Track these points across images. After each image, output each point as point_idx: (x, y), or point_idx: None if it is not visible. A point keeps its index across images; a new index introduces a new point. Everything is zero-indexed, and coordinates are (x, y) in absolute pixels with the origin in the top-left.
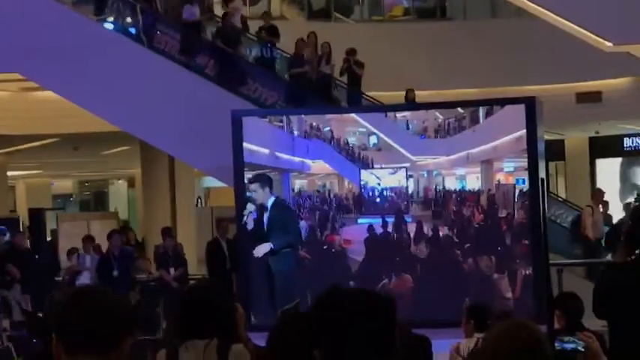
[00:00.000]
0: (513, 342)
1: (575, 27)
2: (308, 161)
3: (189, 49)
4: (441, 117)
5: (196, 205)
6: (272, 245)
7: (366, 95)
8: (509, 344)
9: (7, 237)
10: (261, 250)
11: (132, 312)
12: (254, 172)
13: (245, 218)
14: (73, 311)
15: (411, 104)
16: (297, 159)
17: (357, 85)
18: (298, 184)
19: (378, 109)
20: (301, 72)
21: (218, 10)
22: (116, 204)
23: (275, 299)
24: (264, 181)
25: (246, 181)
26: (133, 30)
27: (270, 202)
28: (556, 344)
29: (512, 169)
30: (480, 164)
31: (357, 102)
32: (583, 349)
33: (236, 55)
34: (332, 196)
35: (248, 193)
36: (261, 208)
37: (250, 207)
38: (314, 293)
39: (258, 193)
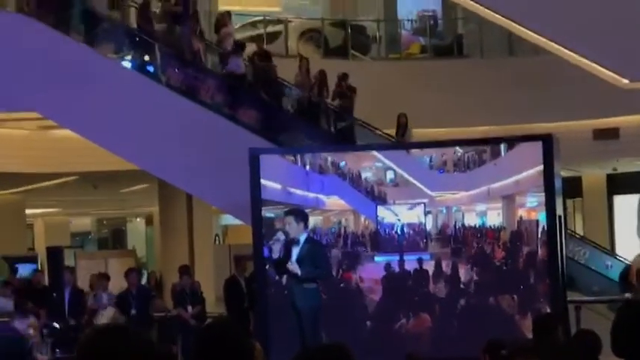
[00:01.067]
0: None
1: (592, 64)
2: (323, 197)
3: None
4: (460, 151)
5: (214, 243)
6: (299, 272)
7: (384, 132)
8: None
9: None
10: (292, 268)
11: (153, 349)
12: (291, 207)
13: (272, 244)
14: (96, 352)
15: (430, 142)
16: (311, 195)
17: (350, 111)
18: (313, 220)
19: (397, 146)
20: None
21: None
22: (134, 242)
23: (303, 336)
24: (300, 215)
25: (273, 215)
26: (151, 68)
27: (303, 237)
28: None
29: (535, 204)
30: (501, 199)
31: (349, 130)
32: None
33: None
34: (348, 232)
35: (279, 226)
36: (291, 242)
37: (280, 235)
38: (329, 332)
39: (292, 227)
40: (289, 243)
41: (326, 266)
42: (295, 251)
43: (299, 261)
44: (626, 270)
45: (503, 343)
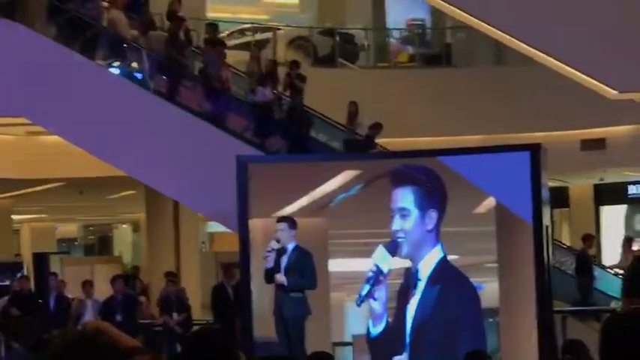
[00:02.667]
0: None
1: (580, 75)
2: None
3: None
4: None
5: (200, 250)
6: (285, 282)
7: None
8: None
9: None
10: (278, 278)
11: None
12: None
13: (267, 253)
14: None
15: (414, 151)
16: None
17: (300, 99)
18: None
19: (383, 155)
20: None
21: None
22: (120, 248)
23: (289, 345)
24: (293, 223)
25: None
26: (139, 75)
27: (291, 245)
28: None
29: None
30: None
31: (303, 121)
32: None
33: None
34: None
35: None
36: (280, 251)
37: (274, 245)
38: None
39: (285, 234)
40: (279, 252)
41: (312, 277)
42: (284, 260)
43: (287, 270)
44: None
45: (484, 354)
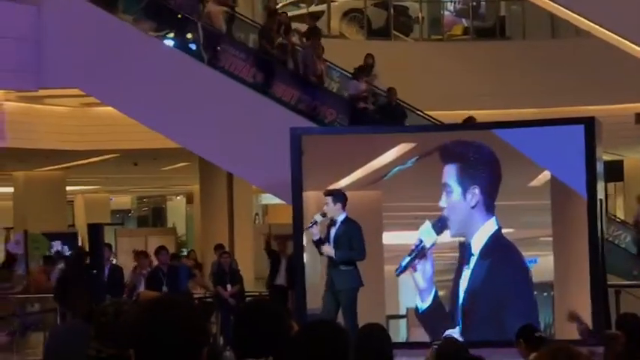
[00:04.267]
0: None
1: (635, 47)
2: None
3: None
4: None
5: (254, 222)
6: (335, 255)
7: (424, 114)
8: None
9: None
10: (327, 250)
11: (206, 324)
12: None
13: (311, 226)
14: (153, 323)
15: (467, 125)
16: None
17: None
18: None
19: (438, 128)
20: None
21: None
22: (174, 220)
23: (343, 317)
24: (338, 196)
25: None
26: (193, 46)
27: (340, 217)
28: None
29: None
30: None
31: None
32: None
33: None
34: None
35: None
36: (330, 223)
37: (318, 217)
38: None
39: (330, 207)
40: (328, 224)
41: (361, 248)
42: (332, 232)
43: (335, 242)
44: None
45: (535, 329)
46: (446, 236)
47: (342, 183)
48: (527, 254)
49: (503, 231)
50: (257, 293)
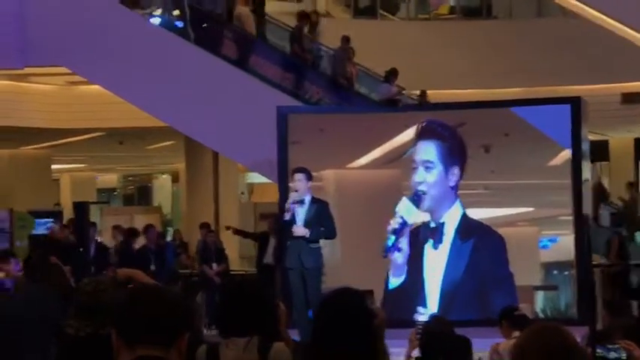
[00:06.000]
0: (540, 346)
1: (622, 26)
2: None
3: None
4: None
5: (239, 201)
6: (307, 235)
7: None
8: (535, 348)
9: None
10: (299, 231)
11: (189, 308)
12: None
13: (292, 205)
14: (136, 305)
15: (453, 103)
16: None
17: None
18: None
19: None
20: None
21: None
22: (160, 199)
23: (306, 295)
24: (309, 174)
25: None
26: (179, 24)
27: (308, 197)
28: (599, 350)
29: None
30: None
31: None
32: None
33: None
34: None
35: (291, 183)
36: (297, 203)
37: (294, 196)
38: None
39: (302, 184)
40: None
41: (333, 226)
42: (301, 213)
43: (307, 222)
44: None
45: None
46: (419, 214)
47: (362, 161)
48: (546, 233)
49: (522, 210)
50: (242, 272)
